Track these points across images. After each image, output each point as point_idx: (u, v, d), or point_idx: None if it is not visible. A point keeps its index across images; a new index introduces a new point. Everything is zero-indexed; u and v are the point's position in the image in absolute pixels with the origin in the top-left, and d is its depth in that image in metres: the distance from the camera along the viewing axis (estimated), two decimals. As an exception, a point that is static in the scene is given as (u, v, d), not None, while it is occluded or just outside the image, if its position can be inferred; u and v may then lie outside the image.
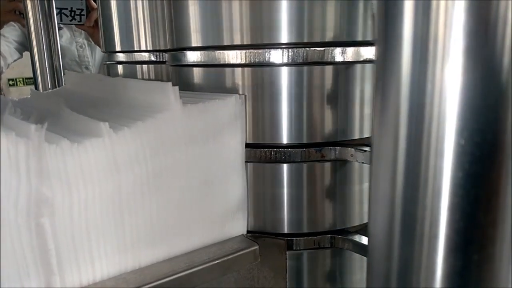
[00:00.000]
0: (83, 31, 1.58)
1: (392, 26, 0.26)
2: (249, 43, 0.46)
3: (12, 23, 1.54)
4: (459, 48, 0.23)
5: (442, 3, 0.24)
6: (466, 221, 0.24)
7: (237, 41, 0.46)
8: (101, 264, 0.39)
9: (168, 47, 0.61)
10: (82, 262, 0.38)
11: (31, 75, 1.20)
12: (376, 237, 0.29)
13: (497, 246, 0.25)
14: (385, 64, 0.27)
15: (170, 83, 0.41)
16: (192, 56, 0.50)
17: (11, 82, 2.40)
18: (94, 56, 1.61)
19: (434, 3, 0.24)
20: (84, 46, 1.60)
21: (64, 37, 1.59)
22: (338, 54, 0.46)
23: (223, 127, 0.45)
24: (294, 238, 0.49)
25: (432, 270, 0.26)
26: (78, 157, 0.36)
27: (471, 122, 0.23)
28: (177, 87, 0.41)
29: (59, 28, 1.58)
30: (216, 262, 0.43)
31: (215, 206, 0.47)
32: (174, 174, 0.42)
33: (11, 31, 1.56)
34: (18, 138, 0.34)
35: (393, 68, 0.26)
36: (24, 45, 1.57)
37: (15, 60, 1.61)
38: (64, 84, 0.65)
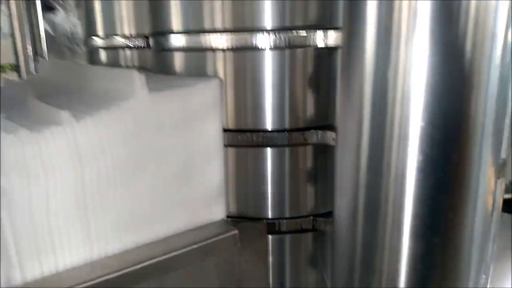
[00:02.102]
0: (76, 11, 1.64)
1: (356, 13, 0.25)
2: (231, 27, 0.45)
3: None
4: (422, 32, 0.22)
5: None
6: (426, 205, 0.24)
7: (220, 25, 0.45)
8: (64, 255, 0.38)
9: (150, 31, 0.60)
10: (43, 253, 0.37)
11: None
12: (341, 219, 0.29)
13: (458, 230, 0.24)
14: (349, 50, 0.27)
15: (135, 70, 0.39)
16: (174, 41, 0.49)
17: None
18: None
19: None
20: (76, 25, 1.67)
21: (59, 16, 1.66)
22: (320, 39, 0.45)
23: (197, 113, 0.44)
24: (277, 221, 0.49)
25: (395, 253, 0.25)
26: (38, 146, 0.35)
27: (432, 104, 0.23)
28: (143, 75, 0.39)
29: (54, 7, 1.62)
30: (195, 246, 0.43)
31: (193, 192, 0.46)
32: (143, 163, 0.41)
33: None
34: None
35: (357, 53, 0.26)
36: None
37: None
38: (38, 72, 0.63)
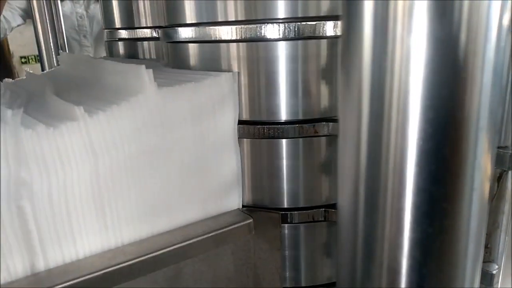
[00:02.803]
0: (83, 3, 1.66)
1: (354, 2, 0.25)
2: (243, 18, 0.45)
3: None
4: (419, 17, 0.22)
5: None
6: (421, 196, 0.24)
7: (231, 17, 0.46)
8: (83, 243, 0.40)
9: (164, 23, 0.61)
10: (63, 242, 0.39)
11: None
12: (343, 209, 0.30)
13: (453, 219, 0.25)
14: (348, 40, 0.27)
15: (143, 66, 0.40)
16: (187, 33, 0.50)
17: (23, 60, 2.45)
18: (92, 26, 1.70)
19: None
20: (83, 17, 1.69)
21: (66, 7, 1.68)
22: (330, 29, 0.45)
23: (207, 107, 0.45)
24: (289, 212, 0.50)
25: (394, 240, 0.26)
26: (54, 141, 0.37)
27: (424, 98, 0.23)
28: (151, 70, 0.40)
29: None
30: (211, 235, 0.45)
31: (207, 184, 0.47)
32: (154, 156, 0.43)
33: None
34: None
35: (355, 43, 0.26)
36: (27, 13, 1.68)
37: (18, 25, 1.72)
38: (58, 64, 0.65)
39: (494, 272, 0.43)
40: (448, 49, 0.22)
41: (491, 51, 0.22)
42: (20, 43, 2.32)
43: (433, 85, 0.23)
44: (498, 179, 0.43)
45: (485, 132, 0.23)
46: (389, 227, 0.26)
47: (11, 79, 0.64)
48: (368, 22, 0.24)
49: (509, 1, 0.22)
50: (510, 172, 0.41)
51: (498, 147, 0.43)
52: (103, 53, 1.74)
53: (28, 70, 0.64)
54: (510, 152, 0.40)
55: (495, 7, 0.21)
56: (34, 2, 1.09)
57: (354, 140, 0.27)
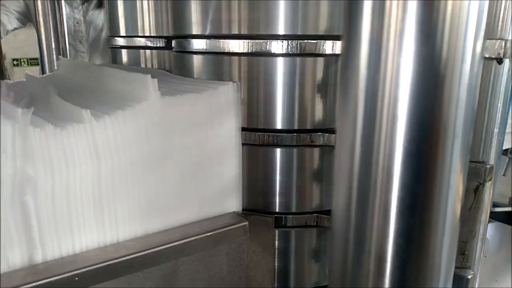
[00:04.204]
0: (81, 8, 1.67)
1: (354, 24, 0.29)
2: (248, 33, 0.49)
3: None
4: (408, 44, 0.26)
5: (394, 10, 0.26)
6: (404, 190, 0.28)
7: (237, 31, 0.49)
8: (81, 239, 0.42)
9: (171, 33, 0.64)
10: (62, 237, 0.41)
11: (35, 55, 1.22)
12: (338, 206, 0.33)
13: (432, 212, 0.28)
14: (347, 59, 0.30)
15: (149, 75, 0.43)
16: (194, 44, 0.53)
17: (15, 62, 2.44)
18: (88, 32, 1.70)
19: (388, 6, 0.26)
20: (80, 23, 1.69)
21: (64, 12, 1.67)
22: (329, 48, 0.49)
23: (207, 116, 0.48)
24: (283, 216, 0.53)
25: (382, 230, 0.30)
26: (61, 141, 0.39)
27: (411, 107, 0.27)
28: (156, 80, 0.43)
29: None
30: (208, 234, 0.47)
31: (205, 189, 0.49)
32: (154, 161, 0.45)
33: (12, 2, 1.63)
34: (5, 120, 0.37)
35: (353, 61, 0.29)
36: (26, 16, 1.65)
37: (15, 28, 1.69)
38: (57, 69, 0.67)
39: (469, 277, 0.47)
40: (431, 67, 0.26)
41: (467, 68, 0.26)
42: (13, 46, 2.32)
43: (418, 96, 0.26)
44: (475, 191, 0.47)
45: (460, 139, 0.27)
46: (377, 218, 0.29)
47: (9, 80, 0.65)
48: (365, 42, 0.28)
49: (482, 30, 0.26)
50: (486, 184, 0.45)
51: (476, 162, 0.47)
52: (98, 59, 1.73)
53: (27, 72, 0.66)
54: (486, 166, 0.44)
55: (470, 34, 0.25)
56: (39, 4, 1.10)
57: (350, 144, 0.30)
